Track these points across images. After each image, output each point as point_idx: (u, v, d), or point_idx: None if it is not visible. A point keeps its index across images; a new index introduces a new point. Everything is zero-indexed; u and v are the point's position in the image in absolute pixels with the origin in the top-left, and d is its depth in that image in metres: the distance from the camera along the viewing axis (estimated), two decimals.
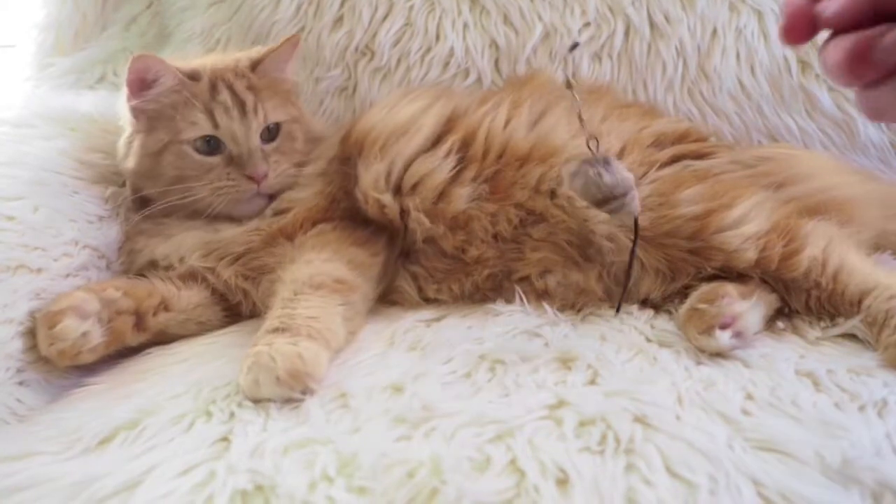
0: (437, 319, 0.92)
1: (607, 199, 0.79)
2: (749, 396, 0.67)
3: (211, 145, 0.99)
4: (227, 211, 0.99)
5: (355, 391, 0.71)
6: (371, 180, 1.00)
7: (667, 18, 1.25)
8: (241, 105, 1.00)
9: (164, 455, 0.62)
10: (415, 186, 0.99)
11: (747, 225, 0.86)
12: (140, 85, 0.99)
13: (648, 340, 0.82)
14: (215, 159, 0.99)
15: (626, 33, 1.26)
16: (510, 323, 0.87)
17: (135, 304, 0.91)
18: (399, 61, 1.28)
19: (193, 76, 1.01)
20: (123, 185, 1.08)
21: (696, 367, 0.74)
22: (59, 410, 0.77)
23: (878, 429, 0.61)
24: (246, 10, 1.32)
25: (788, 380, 0.70)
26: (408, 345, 0.83)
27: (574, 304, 0.92)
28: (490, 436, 0.61)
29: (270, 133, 1.03)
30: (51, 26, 1.39)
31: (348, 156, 1.04)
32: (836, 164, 1.08)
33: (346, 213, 1.02)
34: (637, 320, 0.87)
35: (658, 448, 0.58)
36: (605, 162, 0.79)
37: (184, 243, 0.98)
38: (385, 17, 1.29)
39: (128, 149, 1.02)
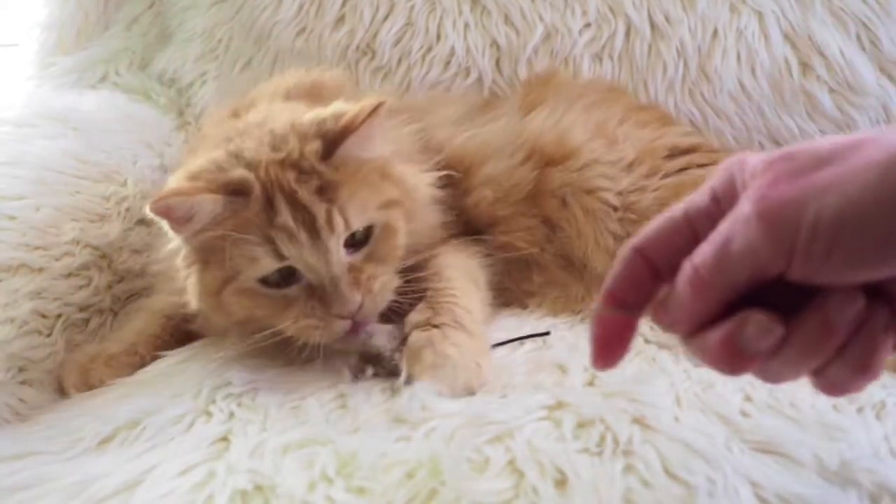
0: None
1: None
2: (747, 398, 0.66)
3: (283, 274, 0.76)
4: (332, 346, 0.79)
5: (354, 391, 0.72)
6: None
7: (667, 19, 1.24)
8: (311, 223, 0.74)
9: (164, 455, 0.62)
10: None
11: None
12: (178, 223, 0.76)
13: (647, 341, 0.82)
14: (292, 290, 0.77)
15: (627, 34, 1.25)
16: (507, 325, 0.87)
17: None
18: (400, 61, 1.28)
19: (241, 189, 0.75)
20: (124, 184, 1.08)
21: (694, 369, 0.74)
22: (60, 410, 0.78)
23: (876, 431, 0.61)
24: (248, 9, 1.32)
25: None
26: None
27: (573, 309, 0.93)
28: (489, 437, 0.61)
29: (358, 237, 0.78)
30: (53, 25, 1.39)
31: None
32: None
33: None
34: None
35: (656, 449, 0.58)
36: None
37: None
38: (386, 17, 1.29)
39: (182, 279, 0.82)
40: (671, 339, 0.81)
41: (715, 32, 1.24)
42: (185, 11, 1.38)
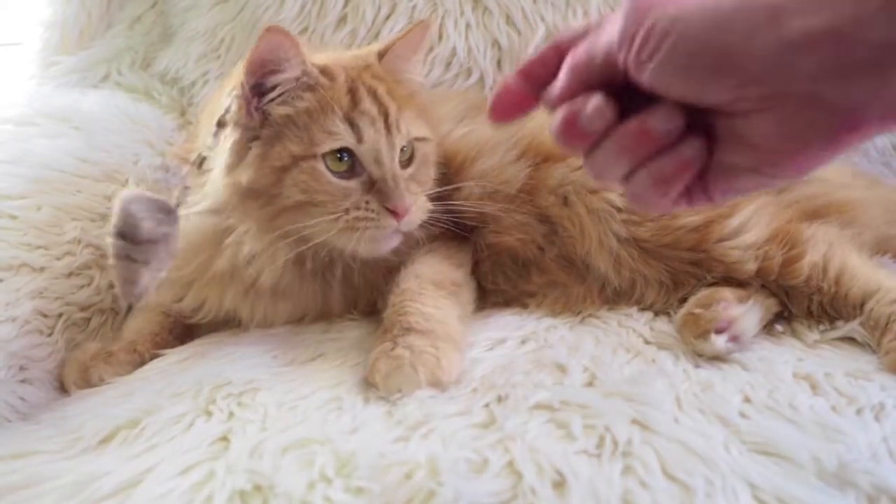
0: None
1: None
2: (746, 399, 0.67)
3: (347, 165, 0.83)
4: (362, 250, 0.85)
5: (353, 392, 0.72)
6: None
7: None
8: (386, 116, 0.84)
9: (164, 454, 0.62)
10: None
11: (747, 234, 0.86)
12: (263, 66, 0.80)
13: (647, 342, 0.82)
14: (352, 183, 0.83)
15: None
16: (506, 326, 0.87)
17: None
18: None
19: (327, 73, 0.84)
20: (126, 183, 1.08)
21: (694, 370, 0.74)
22: (60, 409, 0.78)
23: (874, 432, 0.61)
24: (250, 9, 1.32)
25: (786, 383, 0.70)
26: None
27: (573, 309, 0.93)
28: (487, 437, 0.61)
29: (404, 154, 0.87)
30: (56, 24, 1.39)
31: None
32: (838, 168, 1.08)
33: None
34: (636, 322, 0.87)
35: (655, 450, 0.58)
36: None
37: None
38: (388, 17, 1.29)
39: (236, 157, 0.83)
40: (671, 340, 0.81)
41: None
42: (188, 11, 1.38)
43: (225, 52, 1.33)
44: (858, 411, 0.64)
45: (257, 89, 0.82)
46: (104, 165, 1.08)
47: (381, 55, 0.89)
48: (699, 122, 0.44)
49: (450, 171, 0.98)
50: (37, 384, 0.84)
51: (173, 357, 0.88)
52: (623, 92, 0.45)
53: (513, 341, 0.83)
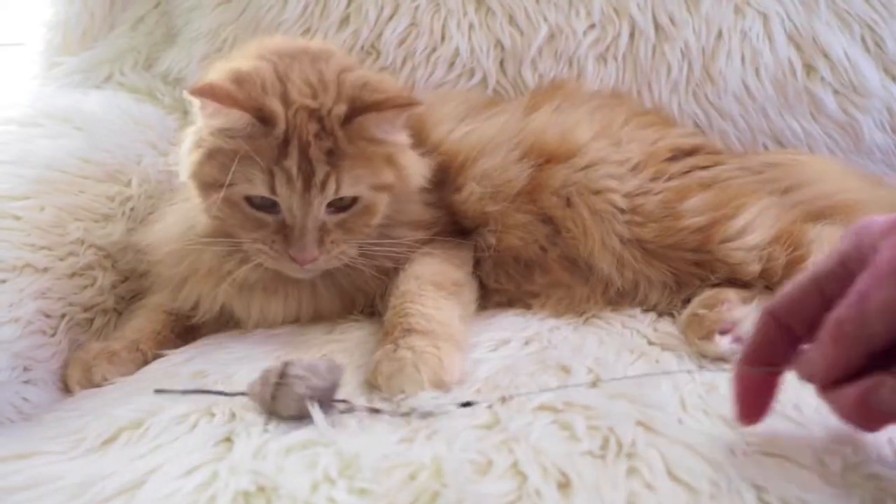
0: None
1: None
2: None
3: (269, 202, 0.84)
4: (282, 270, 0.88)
5: (357, 393, 0.72)
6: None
7: (672, 20, 1.24)
8: (309, 177, 0.82)
9: (168, 455, 0.62)
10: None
11: (751, 235, 0.86)
12: (205, 112, 0.84)
13: (651, 343, 0.82)
14: (268, 218, 0.85)
15: (632, 35, 1.25)
16: (509, 326, 0.87)
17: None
18: (404, 61, 1.28)
19: (269, 120, 0.82)
20: (129, 184, 1.08)
21: (698, 371, 0.73)
22: (64, 409, 0.78)
23: (880, 435, 0.60)
24: (253, 9, 1.32)
25: (791, 384, 0.69)
26: None
27: (577, 310, 0.93)
28: (491, 439, 0.61)
29: (343, 203, 0.86)
30: (59, 25, 1.39)
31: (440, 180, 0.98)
32: (842, 169, 1.08)
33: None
34: (640, 323, 0.87)
35: (660, 452, 0.58)
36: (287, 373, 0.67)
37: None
38: (391, 17, 1.29)
39: (190, 150, 0.87)
40: (675, 341, 0.81)
41: (719, 34, 1.24)
42: (191, 11, 1.38)
43: (228, 53, 1.32)
44: None
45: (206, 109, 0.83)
46: (107, 166, 1.08)
47: (349, 117, 0.84)
48: None
49: (451, 171, 0.98)
50: (40, 385, 0.84)
51: (176, 357, 0.88)
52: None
53: (517, 342, 0.83)
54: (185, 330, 0.97)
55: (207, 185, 0.85)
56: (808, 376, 0.47)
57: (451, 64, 1.27)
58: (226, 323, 0.97)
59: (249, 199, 0.84)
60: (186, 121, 1.31)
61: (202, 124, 0.85)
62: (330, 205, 0.84)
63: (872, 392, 0.43)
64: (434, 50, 1.28)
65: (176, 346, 0.92)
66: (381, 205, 0.88)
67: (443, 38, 1.28)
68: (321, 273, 0.91)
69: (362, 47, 1.29)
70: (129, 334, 0.93)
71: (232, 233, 0.87)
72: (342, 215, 0.86)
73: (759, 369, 0.49)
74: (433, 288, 0.86)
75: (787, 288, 0.48)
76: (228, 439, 0.64)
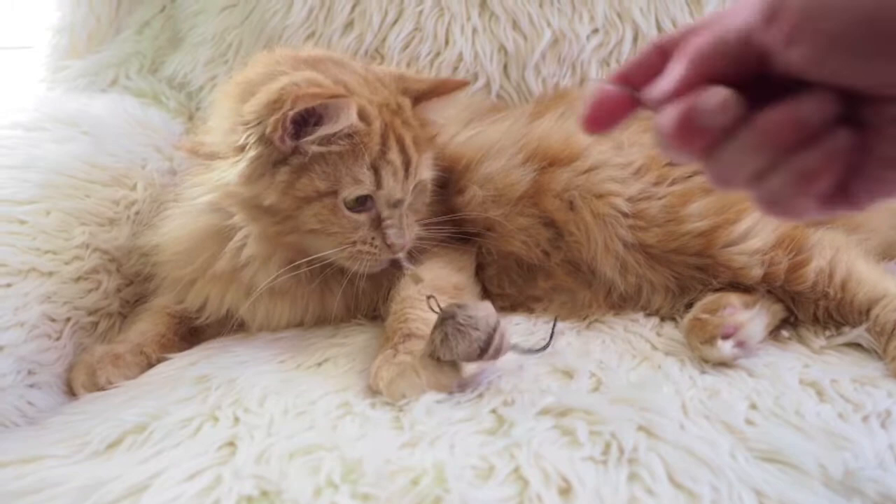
0: None
1: (487, 347, 0.72)
2: (753, 406, 0.67)
3: (363, 202, 0.86)
4: (356, 270, 0.89)
5: (360, 397, 0.72)
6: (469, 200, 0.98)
7: (675, 25, 1.24)
8: (407, 165, 0.88)
9: (171, 459, 0.62)
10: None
11: (753, 239, 0.86)
12: (313, 114, 0.81)
13: (654, 348, 0.82)
14: (362, 217, 0.87)
15: (635, 39, 1.26)
16: (514, 331, 0.87)
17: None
18: (408, 65, 1.29)
19: (365, 118, 0.84)
20: (134, 188, 1.08)
21: (700, 376, 0.74)
22: (69, 413, 0.78)
23: (881, 440, 0.61)
24: (258, 14, 1.33)
25: (792, 389, 0.70)
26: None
27: (579, 314, 0.93)
28: (494, 444, 0.61)
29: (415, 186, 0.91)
30: (65, 29, 1.40)
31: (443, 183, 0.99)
32: None
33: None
34: (642, 328, 0.87)
35: (661, 457, 0.58)
36: (462, 312, 0.73)
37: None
38: (395, 22, 1.30)
39: (254, 171, 0.84)
40: (677, 346, 0.81)
41: None
42: (196, 16, 1.39)
43: (233, 57, 1.34)
44: (865, 418, 0.64)
45: (298, 124, 0.81)
46: (112, 170, 1.08)
47: (417, 101, 0.90)
48: (848, 112, 0.39)
49: (454, 175, 0.99)
50: (45, 389, 0.85)
51: (180, 361, 0.88)
52: (748, 84, 0.40)
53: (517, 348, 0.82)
54: (188, 332, 0.97)
55: (301, 200, 0.84)
56: (655, 94, 0.44)
57: (455, 68, 1.28)
58: (229, 325, 0.97)
59: (347, 204, 0.86)
60: (191, 125, 1.32)
61: (260, 145, 0.83)
62: None
63: (698, 100, 0.40)
64: (438, 54, 1.28)
65: (180, 349, 0.93)
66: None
67: (446, 42, 1.28)
68: (326, 277, 0.91)
69: (366, 52, 1.29)
70: (132, 337, 0.93)
71: (313, 246, 0.88)
72: (409, 200, 0.90)
73: (619, 86, 0.46)
74: (435, 292, 0.86)
75: (681, 27, 0.46)
76: (232, 443, 0.64)
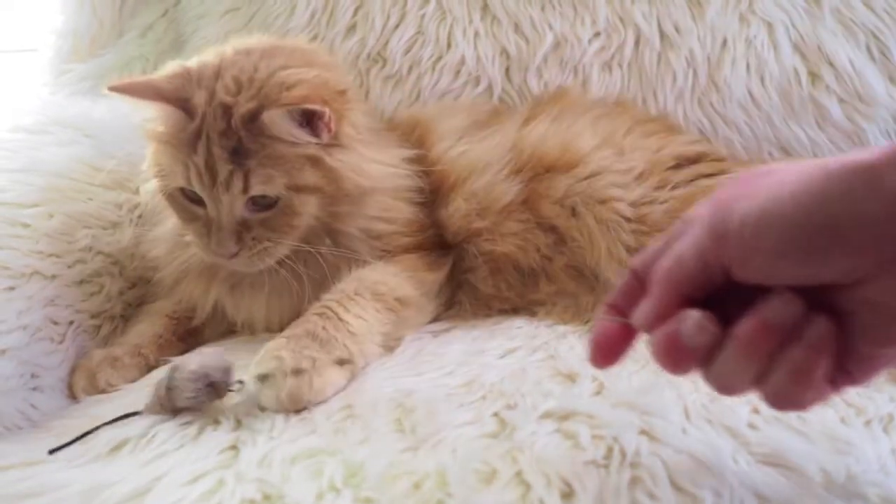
0: (445, 331, 0.93)
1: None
2: (755, 410, 0.66)
3: (198, 196, 0.85)
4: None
5: (362, 401, 0.72)
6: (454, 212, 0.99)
7: (677, 29, 1.25)
8: (214, 174, 0.82)
9: (173, 463, 0.62)
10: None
11: None
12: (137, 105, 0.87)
13: None
14: (199, 211, 0.86)
15: (637, 43, 1.26)
16: (516, 335, 0.87)
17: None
18: (410, 69, 1.29)
19: (190, 110, 0.83)
20: (136, 191, 1.09)
21: (702, 380, 0.73)
22: (72, 417, 0.78)
23: (883, 444, 0.60)
24: (260, 18, 1.33)
25: None
26: (412, 356, 0.84)
27: (582, 318, 0.93)
28: (496, 448, 0.61)
29: (266, 201, 0.84)
30: (68, 32, 1.41)
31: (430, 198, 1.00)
32: None
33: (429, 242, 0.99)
34: None
35: (663, 461, 0.58)
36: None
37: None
38: (397, 26, 1.30)
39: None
40: None
41: (724, 42, 1.24)
42: (199, 19, 1.39)
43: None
44: (867, 423, 0.64)
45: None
46: (115, 173, 1.08)
47: (253, 117, 0.82)
48: (819, 301, 0.42)
49: (443, 190, 0.99)
50: (48, 392, 0.85)
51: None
52: (718, 296, 0.44)
53: (524, 350, 0.83)
54: (187, 333, 0.98)
55: (154, 177, 0.89)
56: (638, 322, 0.48)
57: (457, 72, 1.28)
58: (227, 327, 0.98)
59: (183, 191, 0.86)
60: None
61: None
62: (254, 202, 0.84)
63: (679, 327, 0.44)
64: (440, 58, 1.28)
65: (179, 350, 0.93)
66: (305, 206, 0.86)
67: (449, 46, 1.28)
68: (293, 272, 0.89)
69: (369, 55, 1.29)
70: (131, 339, 0.93)
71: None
72: (266, 214, 0.85)
73: (614, 318, 0.51)
74: (370, 296, 0.85)
75: (649, 247, 0.50)
76: (234, 447, 0.64)
